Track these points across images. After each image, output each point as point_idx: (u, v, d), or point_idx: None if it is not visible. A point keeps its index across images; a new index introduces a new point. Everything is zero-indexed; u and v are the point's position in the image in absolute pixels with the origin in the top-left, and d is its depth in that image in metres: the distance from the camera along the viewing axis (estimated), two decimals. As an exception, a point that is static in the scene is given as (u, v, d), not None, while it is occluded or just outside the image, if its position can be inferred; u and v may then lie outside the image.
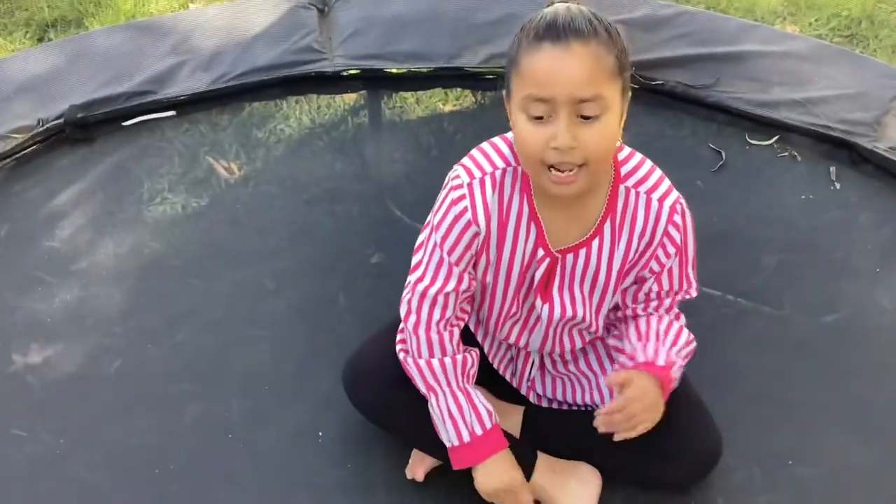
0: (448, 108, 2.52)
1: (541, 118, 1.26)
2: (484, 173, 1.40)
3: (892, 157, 2.29)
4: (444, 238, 1.43)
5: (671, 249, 1.43)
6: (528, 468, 1.57)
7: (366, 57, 2.60)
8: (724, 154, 2.33)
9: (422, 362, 1.48)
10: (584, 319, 1.52)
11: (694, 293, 1.53)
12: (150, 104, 2.46)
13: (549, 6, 1.32)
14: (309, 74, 2.56)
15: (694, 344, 1.53)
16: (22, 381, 1.85)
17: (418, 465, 1.65)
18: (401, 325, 1.52)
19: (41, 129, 2.35)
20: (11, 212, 2.20)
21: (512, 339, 1.61)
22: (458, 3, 2.75)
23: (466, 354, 1.51)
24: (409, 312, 1.48)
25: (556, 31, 1.23)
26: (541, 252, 1.44)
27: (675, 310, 1.55)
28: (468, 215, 1.40)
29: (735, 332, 1.94)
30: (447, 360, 1.48)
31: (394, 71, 2.58)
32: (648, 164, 1.43)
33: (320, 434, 1.76)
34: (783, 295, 2.02)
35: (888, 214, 2.21)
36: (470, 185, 1.39)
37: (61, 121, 2.37)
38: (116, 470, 1.71)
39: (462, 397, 1.48)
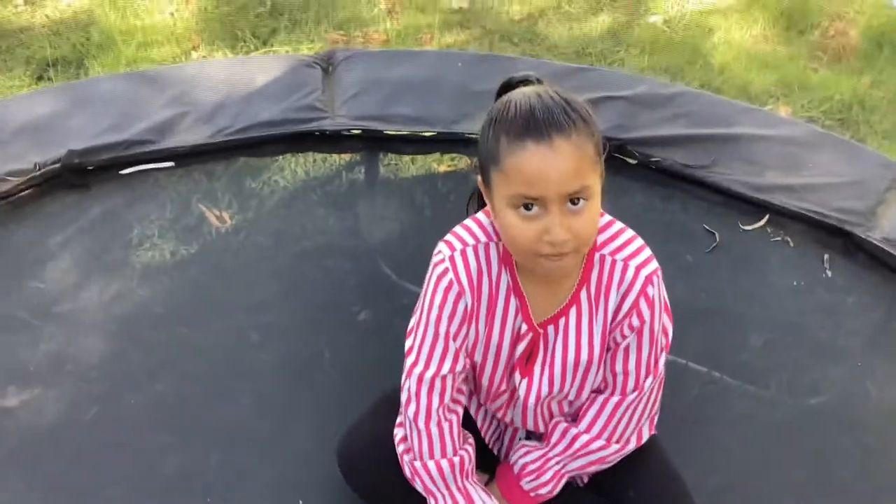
0: (443, 168, 2.54)
1: (531, 209, 1.24)
2: (465, 245, 1.40)
3: (886, 247, 2.30)
4: (438, 315, 1.42)
5: (636, 322, 1.39)
6: None
7: (367, 118, 2.62)
8: (717, 236, 2.34)
9: (419, 465, 1.48)
10: (565, 395, 1.50)
11: (649, 383, 1.46)
12: (149, 154, 2.47)
13: (506, 83, 1.33)
14: (309, 132, 2.57)
15: (603, 463, 1.53)
16: (-3, 424, 1.82)
17: None
18: (400, 415, 1.52)
19: (37, 172, 2.35)
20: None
21: (499, 415, 1.60)
22: (460, 71, 2.80)
23: (464, 453, 1.51)
24: (409, 400, 1.47)
25: (537, 129, 1.21)
26: (524, 327, 1.43)
27: (637, 408, 1.48)
28: (456, 287, 1.39)
29: (720, 409, 1.93)
30: (445, 462, 1.47)
31: (393, 132, 2.60)
32: (629, 232, 1.42)
33: (300, 502, 1.73)
34: (769, 375, 2.01)
35: (877, 301, 2.22)
36: (452, 258, 1.39)
37: (58, 165, 2.37)
38: (87, 522, 1.67)
39: (461, 499, 1.50)
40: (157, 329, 2.03)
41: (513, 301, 1.42)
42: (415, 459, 1.49)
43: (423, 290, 1.45)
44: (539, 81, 1.33)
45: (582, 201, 1.24)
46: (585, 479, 1.61)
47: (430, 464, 1.47)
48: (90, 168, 2.41)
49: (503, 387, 1.53)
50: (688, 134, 2.58)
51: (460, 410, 1.51)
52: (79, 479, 1.73)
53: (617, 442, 1.50)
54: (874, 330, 2.15)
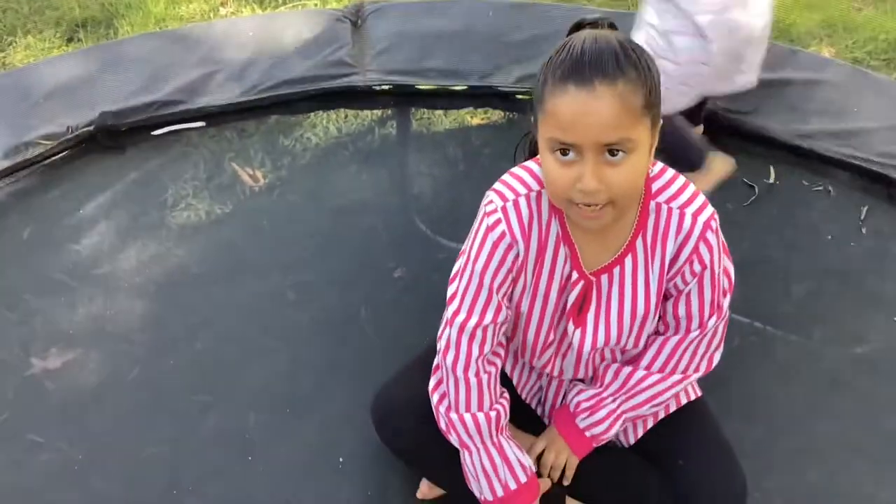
0: (476, 122, 2.51)
1: (567, 154, 1.21)
2: (517, 195, 1.36)
3: (929, 192, 2.24)
4: (485, 266, 1.39)
5: (697, 268, 1.36)
6: None
7: (398, 72, 2.60)
8: (756, 188, 2.29)
9: (455, 417, 1.45)
10: (619, 344, 1.47)
11: (713, 322, 1.43)
12: (180, 114, 2.47)
13: (577, 25, 1.27)
14: (340, 88, 2.55)
15: (670, 403, 1.51)
16: (40, 386, 1.85)
17: (432, 489, 1.63)
18: (437, 361, 1.49)
19: (70, 135, 2.36)
20: (37, 216, 2.21)
21: (547, 369, 1.57)
22: (491, 22, 2.75)
23: (500, 407, 1.48)
24: (447, 348, 1.44)
25: (580, 72, 1.16)
26: (575, 275, 1.40)
27: (702, 342, 1.46)
28: (507, 239, 1.36)
29: (763, 360, 1.90)
30: (481, 415, 1.45)
31: (425, 87, 2.57)
32: (682, 179, 1.37)
33: (340, 460, 1.73)
34: (812, 325, 1.98)
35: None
36: (504, 209, 1.36)
37: (91, 128, 2.38)
38: (130, 481, 1.69)
39: (496, 453, 1.47)
40: (193, 289, 2.04)
41: (562, 250, 1.38)
42: (451, 410, 1.46)
43: (471, 238, 1.41)
44: (612, 26, 1.26)
45: (621, 154, 1.19)
46: (632, 440, 1.58)
47: (467, 416, 1.45)
48: (123, 129, 2.41)
49: (551, 337, 1.50)
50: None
51: (499, 364, 1.49)
52: (120, 439, 1.76)
53: (673, 373, 1.47)
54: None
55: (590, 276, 1.39)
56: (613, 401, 1.49)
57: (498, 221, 1.36)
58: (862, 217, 2.23)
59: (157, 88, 2.51)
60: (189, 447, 1.75)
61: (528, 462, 1.50)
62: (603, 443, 1.53)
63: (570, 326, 1.45)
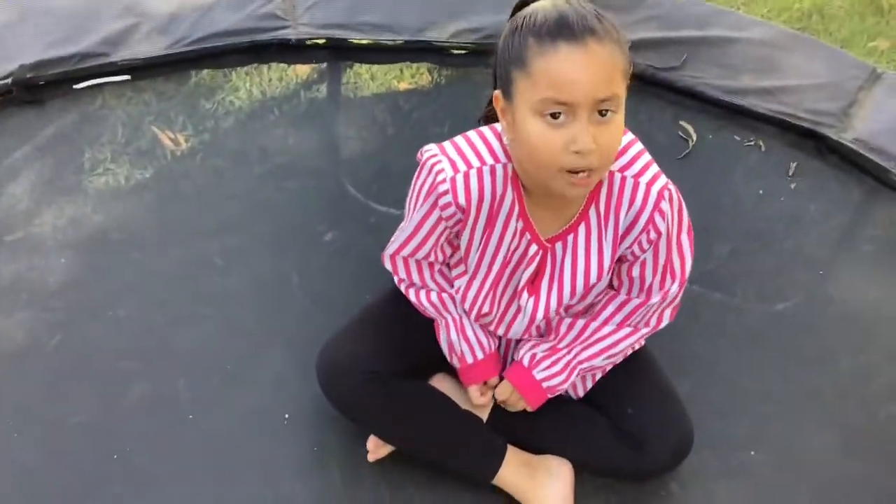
0: (404, 85, 2.47)
1: (558, 117, 1.20)
2: (469, 167, 1.35)
3: (858, 148, 2.29)
4: (421, 223, 1.42)
5: (653, 236, 1.38)
6: (497, 461, 1.57)
7: (331, 26, 2.53)
8: (689, 143, 2.31)
9: (423, 296, 1.55)
10: (569, 305, 1.50)
11: (675, 288, 1.47)
12: (103, 66, 2.38)
13: (525, 4, 1.26)
14: (271, 42, 2.48)
15: (626, 351, 1.54)
16: (-44, 355, 1.79)
17: (380, 447, 1.64)
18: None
19: (-14, 88, 2.26)
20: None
21: (491, 327, 1.59)
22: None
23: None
24: (395, 272, 1.56)
25: (570, 31, 1.17)
26: (533, 248, 1.41)
27: (660, 306, 1.49)
28: (452, 209, 1.37)
29: (688, 318, 1.91)
30: (445, 295, 1.55)
31: (359, 41, 2.51)
32: (637, 146, 1.38)
33: (286, 416, 1.72)
34: (735, 283, 2.03)
35: (844, 207, 2.23)
36: (454, 180, 1.35)
37: (9, 81, 2.28)
38: (56, 451, 1.66)
39: (454, 329, 1.56)
40: (114, 256, 1.98)
41: (515, 222, 1.39)
42: (419, 295, 1.56)
43: (414, 193, 1.42)
44: None
45: (610, 113, 1.20)
46: (581, 393, 1.62)
47: (433, 295, 1.54)
48: (42, 83, 2.32)
49: (499, 306, 1.52)
50: (659, 37, 2.53)
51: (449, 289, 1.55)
52: (45, 408, 1.71)
53: (625, 326, 1.50)
54: (839, 234, 2.19)
55: (545, 243, 1.40)
56: (569, 352, 1.52)
57: (446, 192, 1.35)
58: (791, 173, 2.28)
59: (78, 40, 2.40)
60: (116, 415, 1.71)
61: (488, 342, 1.57)
62: (558, 393, 1.56)
63: (525, 295, 1.47)
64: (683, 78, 2.44)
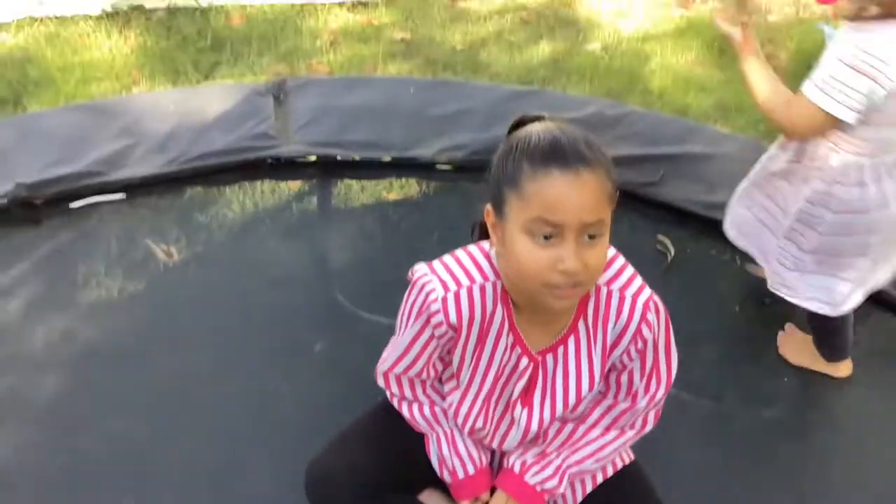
0: (394, 196, 2.54)
1: (547, 238, 1.24)
2: (459, 286, 1.38)
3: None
4: (413, 340, 1.44)
5: (640, 346, 1.41)
6: None
7: (321, 144, 2.63)
8: (668, 255, 2.37)
9: (416, 410, 1.56)
10: (563, 416, 1.52)
11: (661, 393, 1.48)
12: (99, 185, 2.44)
13: (520, 121, 1.32)
14: (263, 159, 2.56)
15: (614, 455, 1.54)
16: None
17: None
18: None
19: (-16, 206, 2.31)
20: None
21: (486, 441, 1.58)
22: (412, 96, 2.82)
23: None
24: (387, 387, 1.56)
25: (563, 157, 1.21)
26: (524, 362, 1.43)
27: (646, 409, 1.51)
28: (444, 328, 1.39)
29: (679, 426, 1.94)
30: (437, 408, 1.56)
31: (348, 158, 2.60)
32: (620, 260, 1.42)
33: None
34: (723, 389, 2.05)
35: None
36: (445, 299, 1.38)
37: (5, 200, 2.34)
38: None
39: (446, 444, 1.56)
40: (104, 369, 1.99)
41: (506, 338, 1.41)
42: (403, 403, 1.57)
43: (405, 312, 1.44)
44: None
45: (597, 236, 1.25)
46: (580, 498, 1.59)
47: (426, 409, 1.56)
48: (39, 202, 2.37)
49: (491, 420, 1.52)
50: (637, 154, 2.63)
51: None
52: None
53: (611, 429, 1.51)
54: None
55: (535, 356, 1.43)
56: (558, 456, 1.53)
57: (437, 312, 1.38)
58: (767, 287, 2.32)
59: (75, 160, 2.48)
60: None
61: (479, 457, 1.57)
62: (554, 499, 1.55)
63: (518, 408, 1.48)
64: (662, 192, 2.52)
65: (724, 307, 2.27)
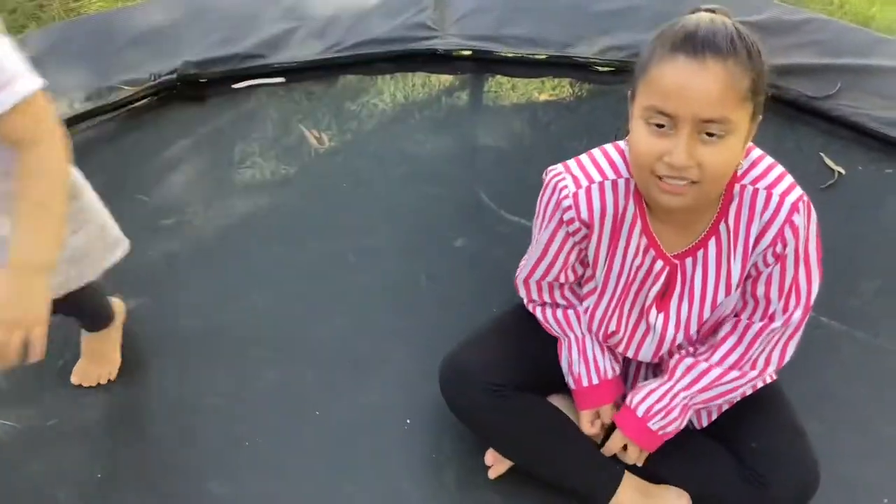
0: (544, 97, 2.48)
1: (661, 127, 1.19)
2: (591, 181, 1.35)
3: None
4: (549, 240, 1.44)
5: (780, 249, 1.32)
6: (613, 485, 1.55)
7: (478, 38, 2.58)
8: (835, 173, 2.22)
9: (549, 313, 1.57)
10: (701, 325, 1.46)
11: (798, 314, 1.40)
12: (260, 68, 2.49)
13: (692, 12, 1.24)
14: (419, 51, 2.54)
15: (745, 391, 1.48)
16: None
17: (499, 462, 1.64)
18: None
19: (153, 82, 2.41)
20: (109, 162, 2.24)
21: (620, 348, 1.57)
22: (574, -9, 2.69)
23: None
24: (527, 293, 1.58)
25: (692, 44, 1.16)
26: (659, 265, 1.39)
27: (782, 334, 1.43)
28: (577, 224, 1.37)
29: (827, 356, 1.86)
30: (571, 313, 1.56)
31: (504, 54, 2.54)
32: (768, 159, 1.34)
33: (408, 421, 1.74)
34: (879, 323, 1.93)
35: None
36: (576, 195, 1.35)
37: (174, 76, 2.42)
38: (186, 431, 1.72)
39: (591, 344, 1.56)
40: (254, 247, 2.06)
41: (638, 238, 1.37)
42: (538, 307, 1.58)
43: (539, 212, 1.43)
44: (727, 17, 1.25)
45: (717, 136, 1.18)
46: (705, 423, 1.57)
47: (559, 312, 1.56)
48: (204, 81, 2.45)
49: (627, 323, 1.50)
50: (815, 63, 2.44)
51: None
52: (179, 391, 1.79)
53: (753, 369, 1.45)
54: None
55: (673, 260, 1.38)
56: (685, 397, 1.48)
57: (569, 208, 1.36)
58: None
59: (238, 41, 2.53)
60: (246, 401, 1.77)
61: (606, 368, 1.56)
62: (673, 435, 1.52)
63: (654, 312, 1.45)
64: (839, 107, 2.35)
65: (892, 235, 2.11)
